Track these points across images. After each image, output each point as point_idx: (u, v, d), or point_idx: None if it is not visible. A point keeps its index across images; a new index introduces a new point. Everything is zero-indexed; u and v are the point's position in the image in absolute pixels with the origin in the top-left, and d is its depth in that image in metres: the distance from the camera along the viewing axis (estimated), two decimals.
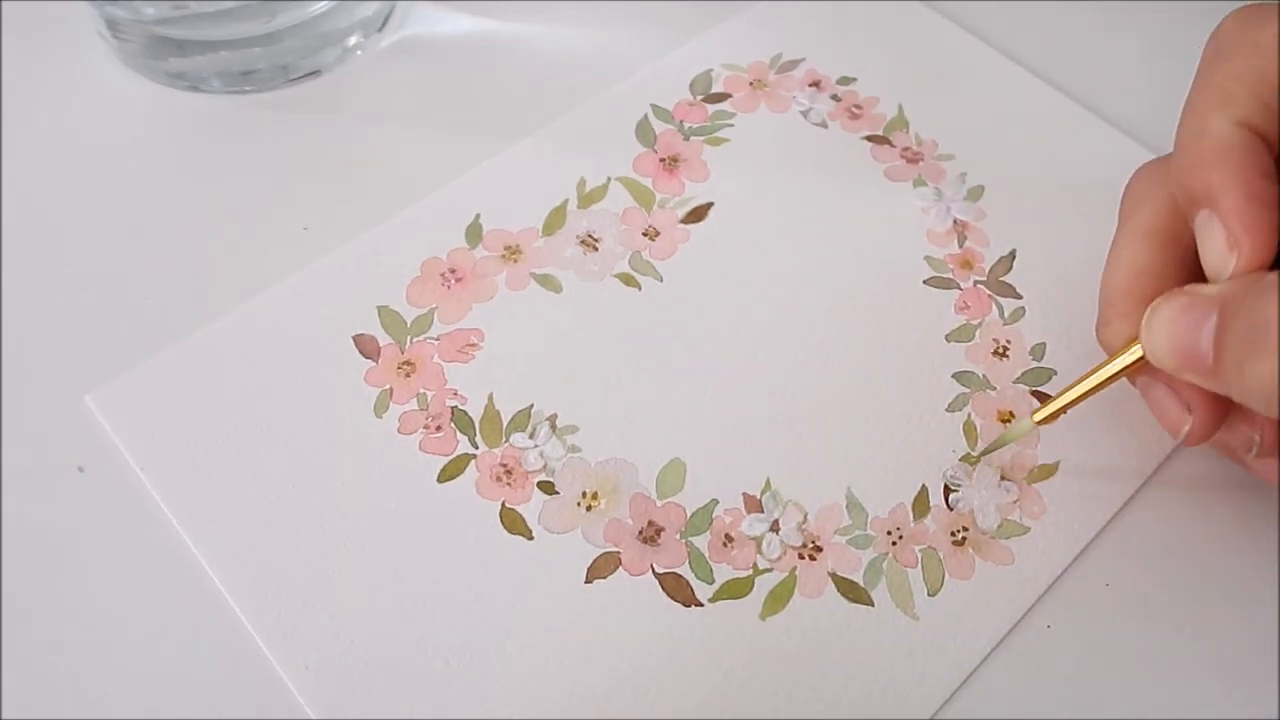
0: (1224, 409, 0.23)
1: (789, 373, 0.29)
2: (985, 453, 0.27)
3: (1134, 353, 0.23)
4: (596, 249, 0.31)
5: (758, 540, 0.26)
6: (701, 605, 0.25)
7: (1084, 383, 0.25)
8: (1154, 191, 0.24)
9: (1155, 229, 0.24)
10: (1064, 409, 0.25)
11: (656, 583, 0.25)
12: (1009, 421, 0.28)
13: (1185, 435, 0.24)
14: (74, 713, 0.23)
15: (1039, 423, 0.26)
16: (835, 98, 0.35)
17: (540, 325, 0.29)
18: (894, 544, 0.26)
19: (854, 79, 0.36)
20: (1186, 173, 0.22)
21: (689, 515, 0.26)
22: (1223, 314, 0.21)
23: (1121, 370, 0.24)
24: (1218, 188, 0.21)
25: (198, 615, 0.24)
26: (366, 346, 0.29)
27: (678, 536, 0.26)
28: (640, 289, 0.30)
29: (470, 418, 0.28)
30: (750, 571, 0.26)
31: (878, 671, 0.24)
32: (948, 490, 0.27)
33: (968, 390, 0.29)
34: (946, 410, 0.28)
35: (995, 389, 0.29)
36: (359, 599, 0.25)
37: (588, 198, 0.32)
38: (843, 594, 0.25)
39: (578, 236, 0.31)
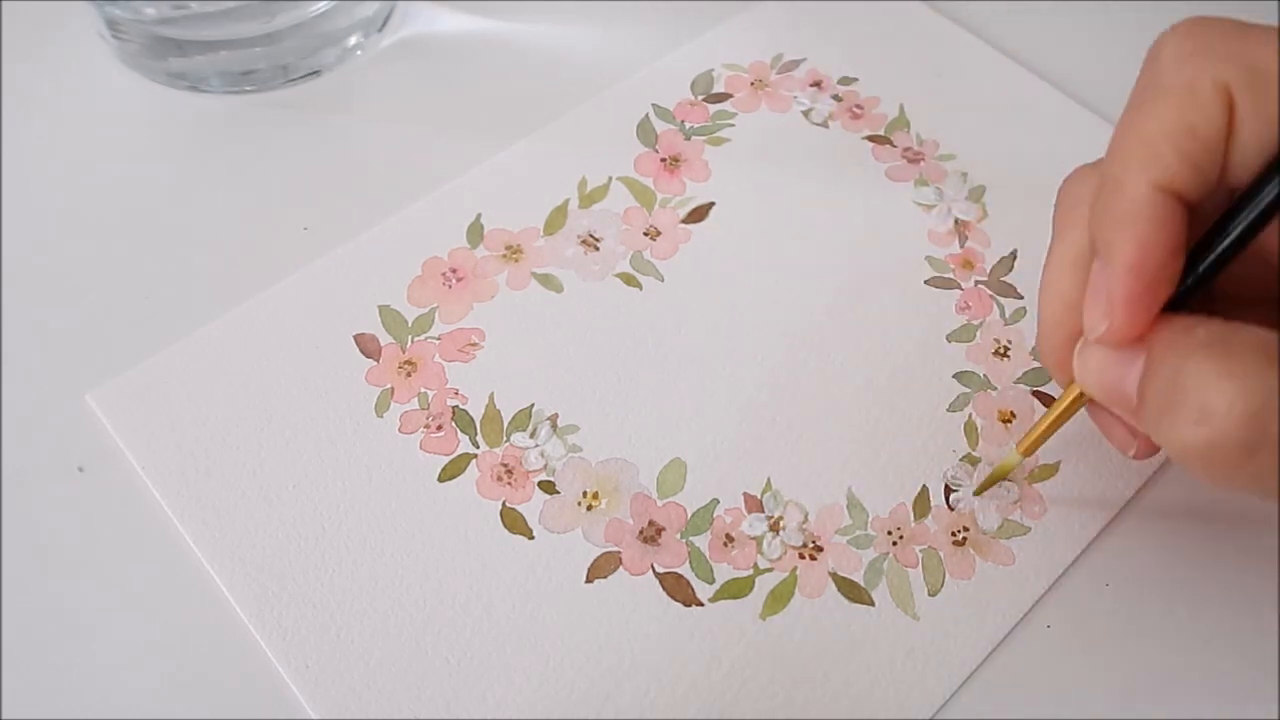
0: None
1: (790, 372, 0.29)
2: (982, 489, 0.27)
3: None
4: (597, 248, 0.31)
5: (758, 540, 0.26)
6: (702, 605, 0.25)
7: (1047, 417, 0.25)
8: (1086, 204, 0.23)
9: (1084, 258, 0.23)
10: (1041, 439, 0.25)
11: (657, 582, 0.25)
12: (1009, 422, 0.28)
13: (1135, 454, 0.24)
14: (74, 713, 0.23)
15: (1025, 453, 0.26)
16: (836, 98, 0.35)
17: (541, 325, 0.29)
18: (895, 544, 0.26)
19: (855, 79, 0.36)
20: (1097, 220, 0.21)
21: (689, 515, 0.26)
22: (1148, 363, 0.20)
23: (1072, 403, 0.24)
24: (1116, 251, 0.20)
25: (198, 615, 0.24)
26: (367, 346, 0.29)
27: (678, 536, 0.26)
28: (641, 289, 0.30)
29: (471, 417, 0.28)
30: (751, 571, 0.26)
31: (878, 671, 0.24)
32: (948, 490, 0.27)
33: (969, 390, 0.29)
34: (947, 410, 0.28)
35: (996, 389, 0.29)
36: (359, 599, 0.25)
37: (589, 197, 0.32)
38: (843, 594, 0.25)
39: (579, 236, 0.31)
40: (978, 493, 0.27)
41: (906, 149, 0.34)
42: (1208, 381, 0.19)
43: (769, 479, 0.27)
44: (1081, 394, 0.23)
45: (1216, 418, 0.19)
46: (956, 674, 0.25)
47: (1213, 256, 0.21)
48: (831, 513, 0.27)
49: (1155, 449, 0.23)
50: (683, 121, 0.34)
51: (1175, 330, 0.20)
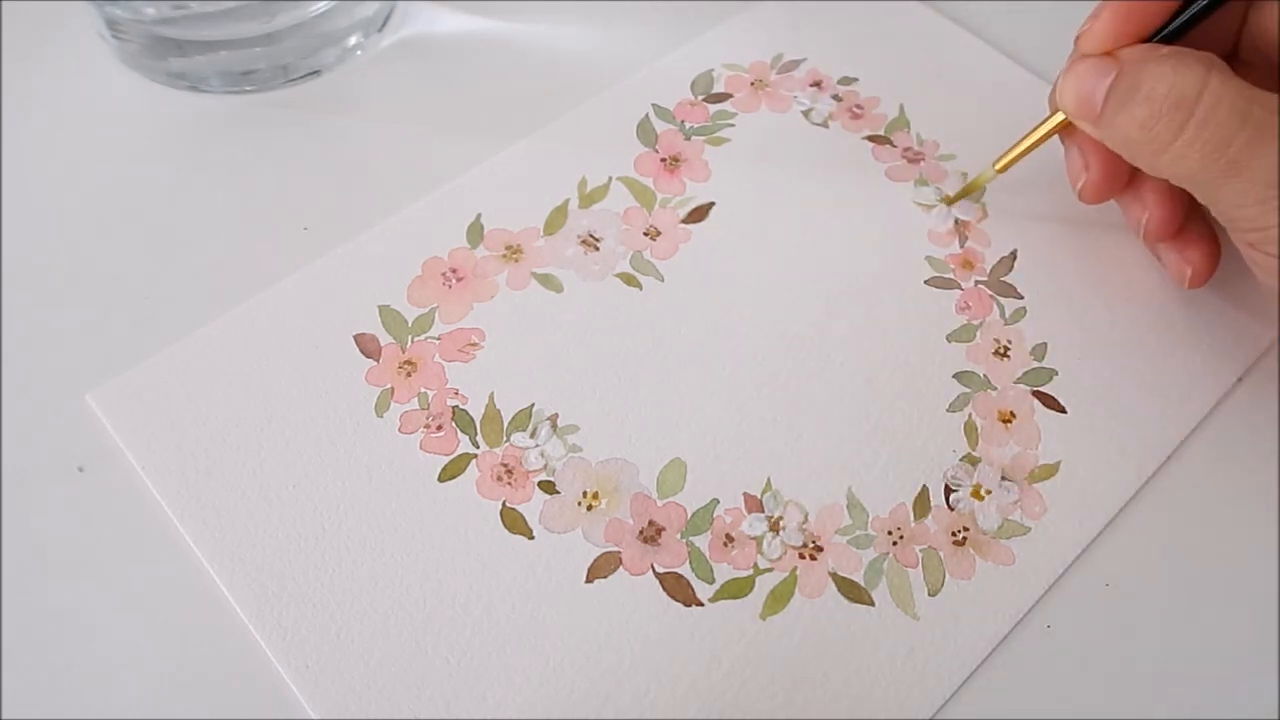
0: (1116, 173, 0.29)
1: (790, 372, 0.29)
2: (956, 199, 0.32)
3: (1060, 115, 0.28)
4: (597, 248, 0.31)
5: (758, 540, 0.26)
6: (702, 605, 0.25)
7: (1028, 137, 0.30)
8: None
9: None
10: (1017, 158, 0.30)
11: (657, 582, 0.25)
12: (1010, 422, 0.28)
13: (1080, 189, 0.29)
14: (74, 713, 0.23)
15: (1000, 169, 0.31)
16: (836, 98, 0.35)
17: (541, 325, 0.29)
18: (895, 544, 0.26)
19: (855, 79, 0.36)
20: None
21: (689, 515, 0.26)
22: (1119, 73, 0.25)
23: (1053, 126, 0.29)
24: None
25: (198, 615, 0.24)
26: (367, 346, 0.29)
27: (678, 536, 0.26)
28: (641, 289, 0.30)
29: (471, 417, 0.28)
30: (751, 571, 0.26)
31: (878, 671, 0.24)
32: (948, 490, 0.27)
33: (969, 390, 0.29)
34: (947, 410, 0.28)
35: (996, 389, 0.29)
36: (359, 599, 0.25)
37: (589, 197, 0.32)
38: (843, 594, 0.25)
39: (579, 236, 0.31)
40: (950, 201, 0.32)
41: (906, 149, 0.34)
42: (1157, 75, 0.25)
43: (769, 479, 0.27)
44: (1059, 121, 0.28)
45: (1156, 99, 0.24)
46: (956, 674, 0.25)
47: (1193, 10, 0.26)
48: (831, 513, 0.27)
49: (1100, 189, 0.29)
50: (683, 121, 0.34)
51: (1145, 48, 0.26)
